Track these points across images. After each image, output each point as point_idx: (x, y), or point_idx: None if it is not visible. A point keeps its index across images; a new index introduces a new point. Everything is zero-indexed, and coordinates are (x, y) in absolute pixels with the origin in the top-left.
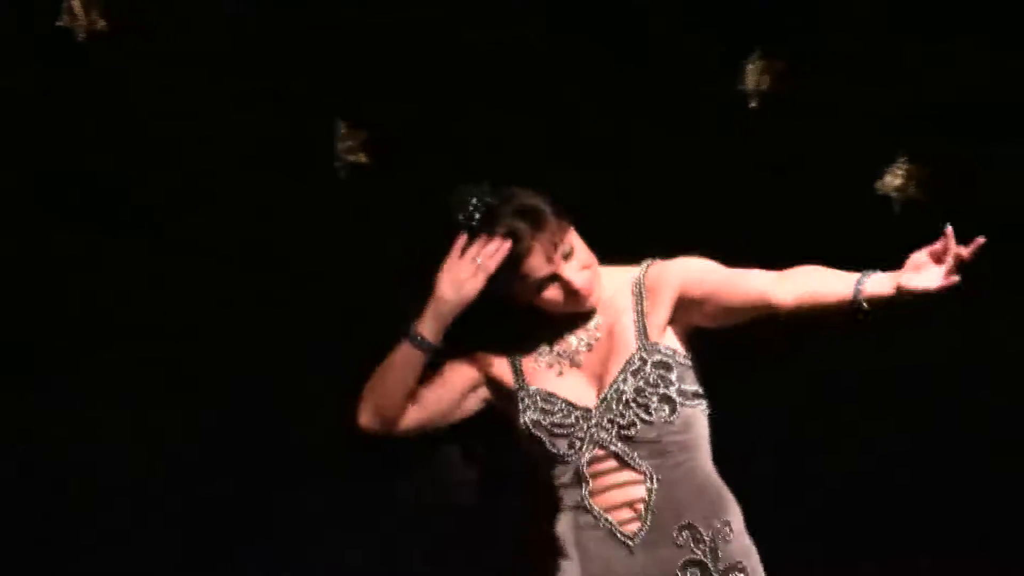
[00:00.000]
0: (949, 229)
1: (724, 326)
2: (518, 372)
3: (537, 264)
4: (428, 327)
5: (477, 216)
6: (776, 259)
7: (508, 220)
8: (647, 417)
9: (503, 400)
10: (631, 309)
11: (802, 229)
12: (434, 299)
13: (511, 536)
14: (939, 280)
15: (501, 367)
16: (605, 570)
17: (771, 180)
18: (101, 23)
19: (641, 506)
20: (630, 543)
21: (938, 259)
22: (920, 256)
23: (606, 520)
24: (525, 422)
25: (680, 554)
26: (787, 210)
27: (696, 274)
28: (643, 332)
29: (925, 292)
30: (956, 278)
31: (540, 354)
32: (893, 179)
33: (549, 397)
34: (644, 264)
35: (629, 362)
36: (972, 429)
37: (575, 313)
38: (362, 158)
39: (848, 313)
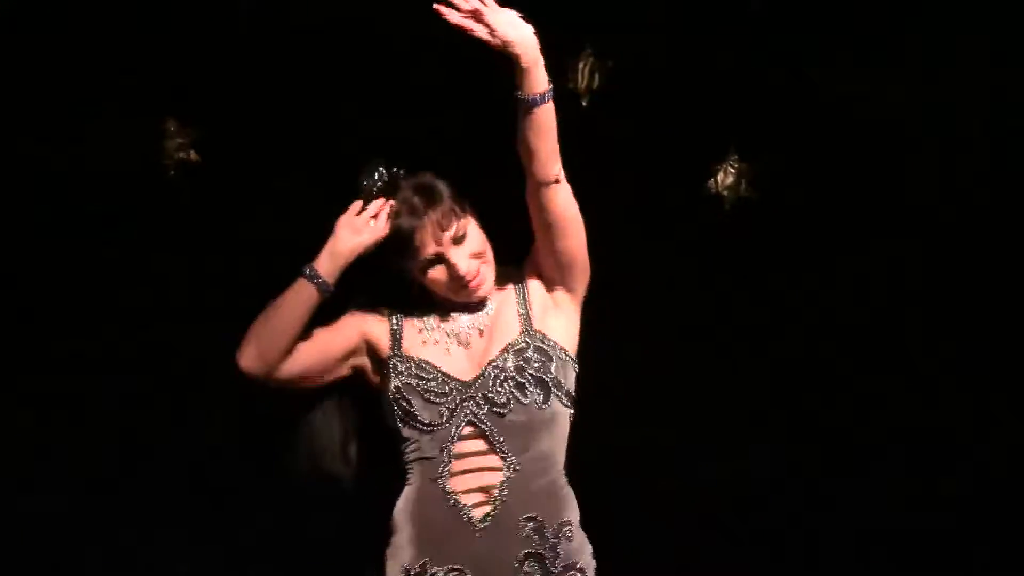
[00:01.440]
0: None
1: (563, 253)
2: (396, 339)
3: (425, 240)
4: (324, 266)
5: (379, 184)
6: (614, 255)
7: (405, 192)
8: (521, 398)
9: (376, 366)
10: (515, 299)
11: (632, 225)
12: (331, 239)
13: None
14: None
15: (381, 333)
16: (447, 550)
17: (603, 178)
18: None
19: (493, 492)
20: (476, 527)
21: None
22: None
23: (456, 501)
24: (396, 386)
25: (522, 545)
26: (618, 208)
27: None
28: (527, 320)
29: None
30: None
31: (427, 328)
32: (725, 177)
33: (424, 365)
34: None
35: (512, 343)
36: None
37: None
38: (193, 156)
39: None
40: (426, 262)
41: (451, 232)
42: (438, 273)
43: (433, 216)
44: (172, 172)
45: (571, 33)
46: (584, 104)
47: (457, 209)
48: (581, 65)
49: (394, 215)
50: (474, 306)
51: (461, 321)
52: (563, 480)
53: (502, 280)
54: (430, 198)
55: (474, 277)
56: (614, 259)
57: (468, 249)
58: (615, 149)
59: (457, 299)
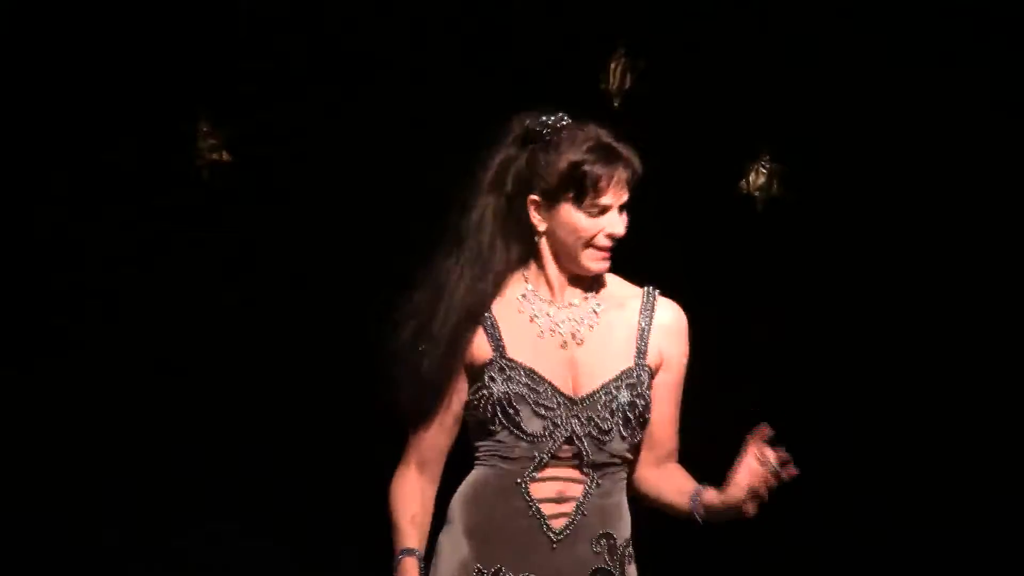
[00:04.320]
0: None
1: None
2: (496, 339)
3: (603, 188)
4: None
5: (543, 128)
6: (640, 255)
7: (598, 133)
8: (623, 432)
9: (476, 373)
10: (637, 326)
11: (662, 226)
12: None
13: None
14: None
15: (479, 344)
16: (524, 559)
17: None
18: None
19: (571, 504)
20: (553, 538)
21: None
22: (742, 477)
23: (537, 510)
24: (504, 392)
25: (594, 560)
26: (648, 209)
27: (675, 373)
28: (643, 353)
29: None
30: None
31: (538, 316)
32: (757, 178)
33: (532, 374)
34: (652, 290)
35: (627, 373)
36: None
37: (576, 291)
38: (224, 156)
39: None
40: (591, 209)
41: (626, 195)
42: (584, 226)
43: (623, 170)
44: (205, 173)
45: (604, 34)
46: (616, 105)
47: (637, 177)
48: (613, 66)
49: (582, 150)
50: (583, 305)
51: (569, 318)
52: (626, 500)
53: (618, 291)
54: (626, 151)
55: (610, 247)
56: (644, 260)
57: (624, 221)
58: (646, 149)
59: (575, 264)
